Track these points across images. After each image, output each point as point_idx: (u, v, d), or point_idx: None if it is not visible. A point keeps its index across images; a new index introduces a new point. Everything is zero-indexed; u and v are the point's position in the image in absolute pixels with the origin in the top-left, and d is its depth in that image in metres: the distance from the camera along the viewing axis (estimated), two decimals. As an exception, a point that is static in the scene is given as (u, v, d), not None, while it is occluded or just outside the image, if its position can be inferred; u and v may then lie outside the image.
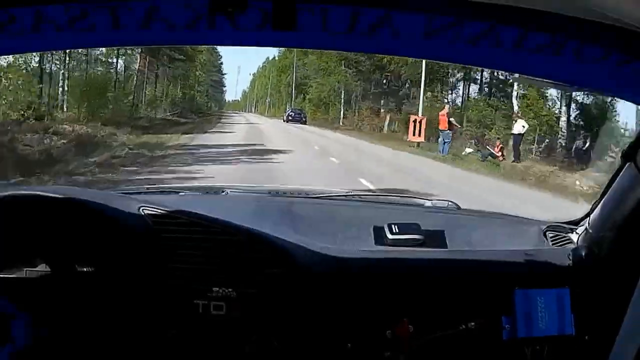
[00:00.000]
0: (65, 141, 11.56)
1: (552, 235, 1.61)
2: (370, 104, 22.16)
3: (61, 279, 1.36)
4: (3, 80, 13.33)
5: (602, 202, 1.42)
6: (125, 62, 19.72)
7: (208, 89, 27.15)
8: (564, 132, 16.57)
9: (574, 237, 1.57)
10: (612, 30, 0.74)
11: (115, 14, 0.86)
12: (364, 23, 0.90)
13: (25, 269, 1.36)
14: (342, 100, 23.25)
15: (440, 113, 15.74)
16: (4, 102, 13.56)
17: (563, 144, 16.42)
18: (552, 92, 16.21)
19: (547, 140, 16.49)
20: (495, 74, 17.91)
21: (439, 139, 15.26)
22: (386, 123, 20.73)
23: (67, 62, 17.31)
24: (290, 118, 22.92)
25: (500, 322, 1.42)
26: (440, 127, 15.25)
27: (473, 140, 16.68)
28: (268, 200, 1.82)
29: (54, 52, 15.96)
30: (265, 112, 31.48)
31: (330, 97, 23.35)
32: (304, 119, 22.88)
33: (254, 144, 13.94)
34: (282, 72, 28.78)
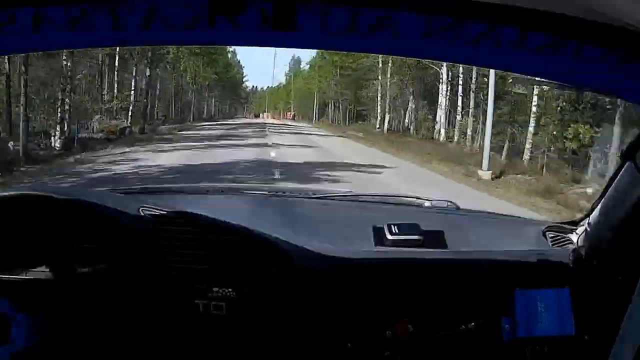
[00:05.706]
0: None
1: (551, 235, 1.61)
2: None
3: (61, 280, 1.36)
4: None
5: (602, 202, 1.42)
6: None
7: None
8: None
9: (573, 237, 1.56)
10: (612, 30, 0.74)
11: (115, 14, 0.86)
12: (364, 23, 0.90)
13: (25, 269, 1.36)
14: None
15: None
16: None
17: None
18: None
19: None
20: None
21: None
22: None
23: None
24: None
25: (500, 323, 1.42)
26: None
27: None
28: (268, 200, 1.82)
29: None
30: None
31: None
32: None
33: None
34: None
